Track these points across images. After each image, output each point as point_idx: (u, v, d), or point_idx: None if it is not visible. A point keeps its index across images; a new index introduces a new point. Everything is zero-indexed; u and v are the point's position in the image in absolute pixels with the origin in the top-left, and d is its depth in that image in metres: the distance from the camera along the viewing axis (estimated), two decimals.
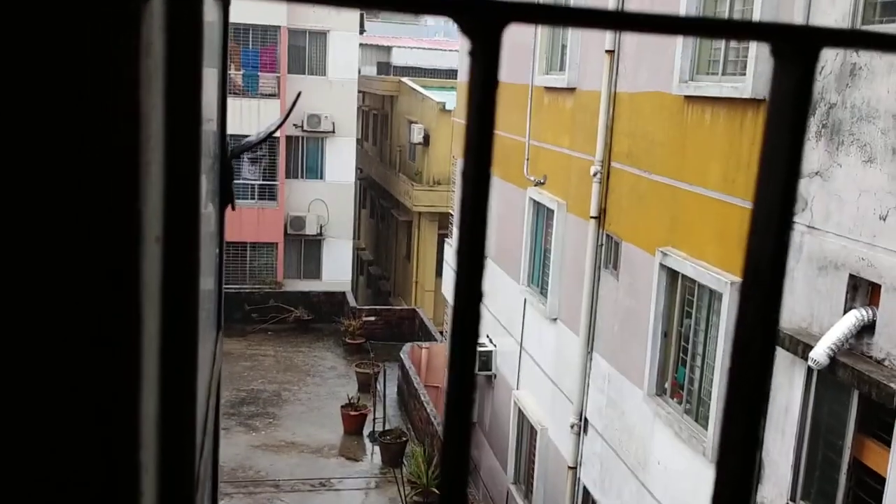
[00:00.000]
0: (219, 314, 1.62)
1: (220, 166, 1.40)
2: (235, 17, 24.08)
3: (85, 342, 0.44)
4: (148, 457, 0.54)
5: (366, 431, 17.19)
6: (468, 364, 0.41)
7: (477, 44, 0.36)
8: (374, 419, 16.91)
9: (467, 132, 0.40)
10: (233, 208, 1.55)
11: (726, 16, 8.04)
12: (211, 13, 1.14)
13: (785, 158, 0.39)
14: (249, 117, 23.83)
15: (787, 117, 0.38)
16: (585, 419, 10.76)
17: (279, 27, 24.87)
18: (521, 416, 12.96)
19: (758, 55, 7.26)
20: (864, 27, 6.21)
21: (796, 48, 0.37)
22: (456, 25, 0.37)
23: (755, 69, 7.27)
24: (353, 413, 17.15)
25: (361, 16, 26.84)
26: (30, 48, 0.41)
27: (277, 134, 24.50)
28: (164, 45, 0.54)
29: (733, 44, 7.99)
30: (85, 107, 0.41)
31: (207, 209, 1.24)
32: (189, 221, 0.65)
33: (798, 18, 6.70)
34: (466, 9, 0.35)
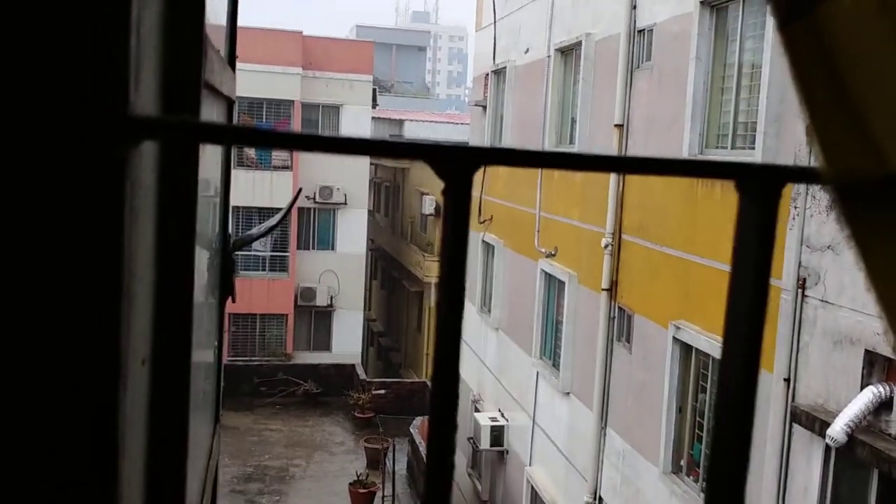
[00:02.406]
0: (217, 407, 1.61)
1: (222, 260, 1.41)
2: (250, 91, 24.69)
3: (60, 474, 0.44)
4: None
5: None
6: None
7: (450, 184, 0.37)
8: (383, 497, 16.57)
9: (441, 261, 0.41)
10: (233, 301, 1.56)
11: (733, 99, 8.16)
12: (213, 113, 1.17)
13: (750, 294, 0.39)
14: (262, 189, 24.16)
15: (752, 249, 0.38)
16: (600, 497, 10.51)
17: (293, 101, 25.42)
18: (535, 493, 12.67)
19: (766, 130, 7.33)
20: None
21: (759, 185, 0.38)
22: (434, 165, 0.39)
23: (764, 143, 7.34)
24: (361, 491, 16.81)
25: (374, 90, 27.43)
26: (19, 187, 0.42)
27: None
28: (158, 181, 0.56)
29: (741, 118, 8.10)
30: (67, 244, 0.42)
31: (208, 302, 1.25)
32: (180, 342, 0.65)
33: None
34: (440, 154, 0.36)
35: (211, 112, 1.10)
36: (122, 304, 0.44)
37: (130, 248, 0.46)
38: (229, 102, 1.43)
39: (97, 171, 0.42)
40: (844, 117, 0.37)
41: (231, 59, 1.63)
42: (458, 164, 0.36)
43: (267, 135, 0.38)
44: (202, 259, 1.04)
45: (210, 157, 1.20)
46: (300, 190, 3.43)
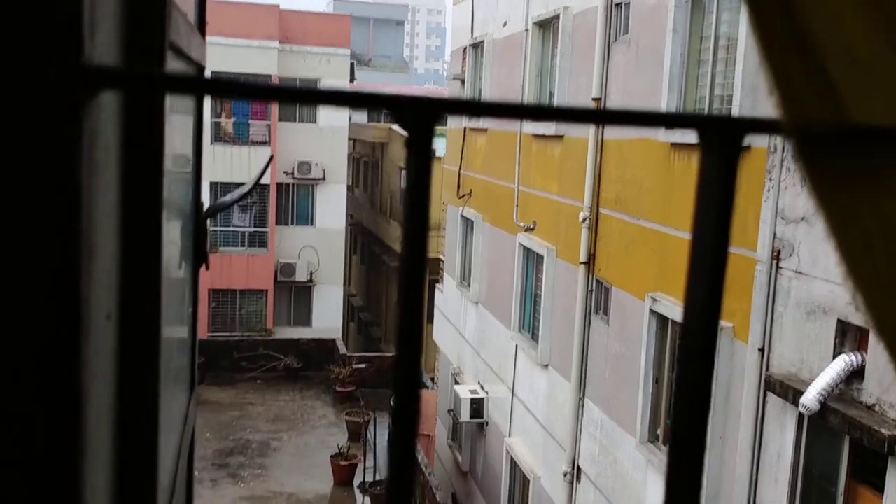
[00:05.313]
0: (192, 373, 1.60)
1: (195, 226, 1.40)
2: (227, 65, 24.36)
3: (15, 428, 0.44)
4: None
5: (356, 482, 16.93)
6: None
7: (412, 134, 0.37)
8: (364, 469, 16.69)
9: (405, 211, 0.41)
10: (206, 268, 1.55)
11: (710, 71, 8.18)
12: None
13: (711, 248, 0.39)
14: (240, 164, 23.97)
15: (714, 202, 0.39)
16: (578, 467, 10.64)
17: (270, 76, 25.17)
18: (514, 464, 12.81)
19: (741, 102, 7.37)
20: None
21: (721, 137, 0.38)
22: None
23: (740, 114, 7.37)
24: (343, 463, 16.91)
25: (352, 64, 27.21)
26: None
27: (268, 181, 24.61)
28: (119, 133, 0.55)
29: (718, 90, 8.12)
30: (21, 189, 0.42)
31: (181, 269, 1.24)
32: (148, 297, 0.65)
33: None
34: (402, 105, 0.36)
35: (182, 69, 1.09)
36: (82, 252, 0.43)
37: (91, 200, 0.45)
38: (199, 68, 1.42)
39: (51, 119, 0.42)
40: (803, 64, 0.37)
41: (201, 26, 1.61)
42: (420, 113, 0.36)
43: (225, 84, 0.38)
44: (173, 224, 1.03)
45: (181, 124, 1.19)
46: (272, 157, 3.43)
